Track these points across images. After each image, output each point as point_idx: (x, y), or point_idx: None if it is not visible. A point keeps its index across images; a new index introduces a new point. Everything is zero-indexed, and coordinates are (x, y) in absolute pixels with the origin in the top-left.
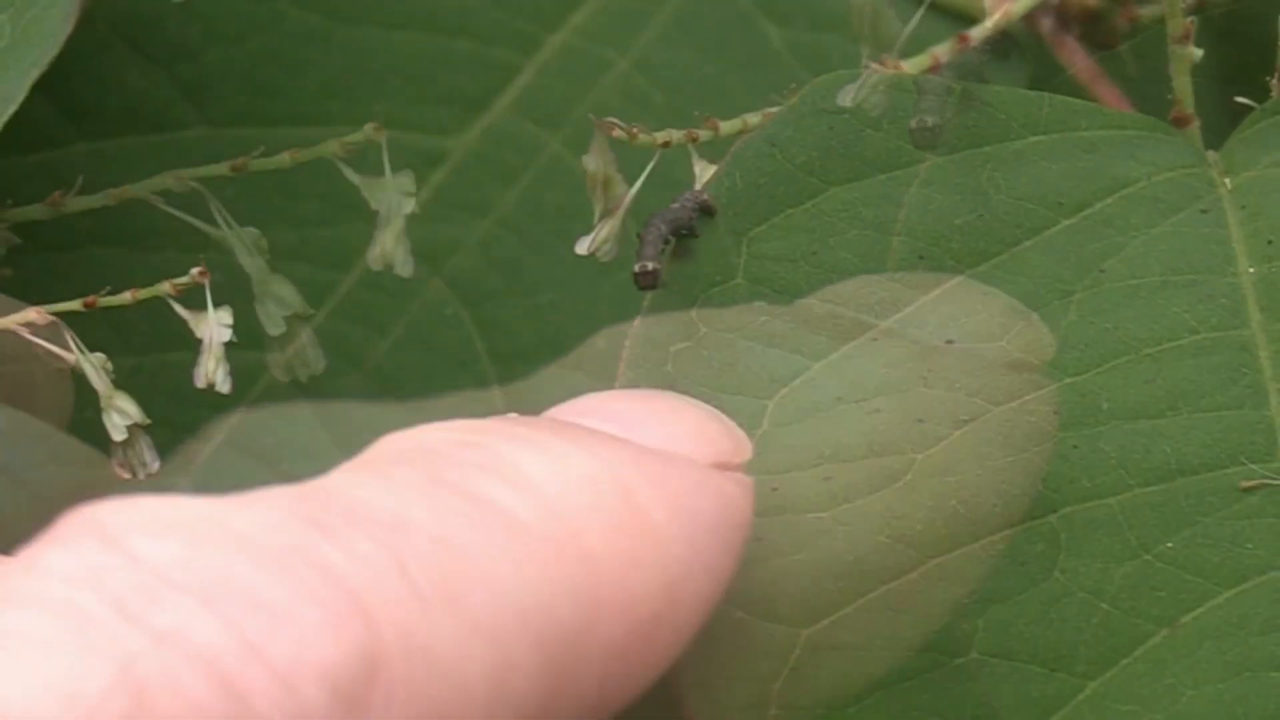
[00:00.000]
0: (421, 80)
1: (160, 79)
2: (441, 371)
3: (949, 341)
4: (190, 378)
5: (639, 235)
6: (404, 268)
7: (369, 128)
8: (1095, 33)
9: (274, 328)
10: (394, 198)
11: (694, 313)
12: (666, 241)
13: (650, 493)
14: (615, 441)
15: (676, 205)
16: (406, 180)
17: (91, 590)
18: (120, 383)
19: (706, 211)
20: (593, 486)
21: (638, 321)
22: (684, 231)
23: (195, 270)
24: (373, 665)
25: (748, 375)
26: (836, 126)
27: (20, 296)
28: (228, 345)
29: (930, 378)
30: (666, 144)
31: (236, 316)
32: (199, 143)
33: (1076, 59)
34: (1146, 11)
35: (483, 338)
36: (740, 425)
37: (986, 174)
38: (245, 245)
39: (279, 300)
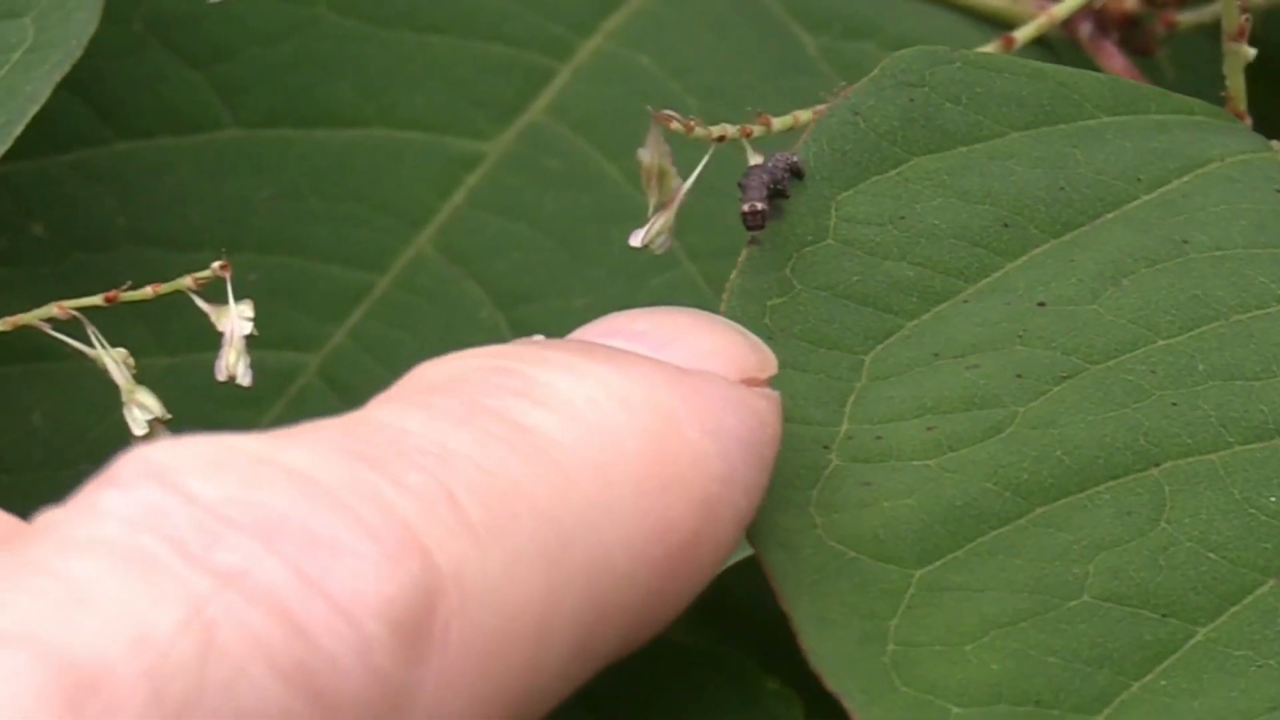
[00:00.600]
0: (457, 84)
1: (195, 80)
2: None
3: (1040, 304)
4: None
5: (740, 184)
6: (245, 379)
7: (215, 266)
8: (1133, 38)
9: (139, 429)
10: (236, 323)
11: (788, 269)
12: (767, 188)
13: (684, 411)
14: (646, 360)
15: (771, 164)
16: (246, 308)
17: (152, 532)
18: (154, 382)
19: (796, 174)
20: (628, 407)
21: (735, 276)
22: (778, 189)
23: (216, 265)
24: (430, 598)
25: (843, 331)
26: (917, 99)
27: (54, 296)
28: (263, 346)
29: (1026, 336)
30: (722, 138)
31: (274, 316)
32: (234, 144)
33: (1115, 64)
34: (1185, 18)
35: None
36: (839, 378)
37: (1065, 149)
38: (116, 363)
39: (143, 407)
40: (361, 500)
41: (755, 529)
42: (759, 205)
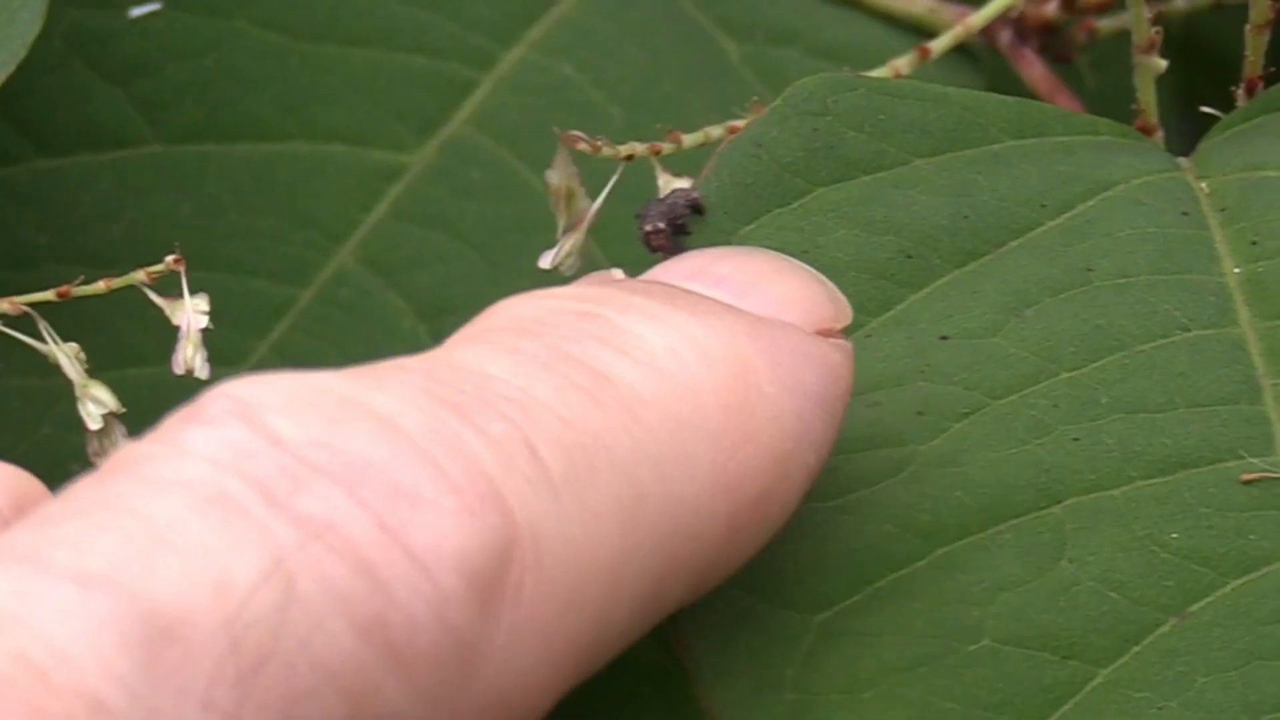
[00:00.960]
0: (379, 96)
1: (116, 96)
2: None
3: (943, 338)
4: (167, 390)
5: (637, 215)
6: (202, 371)
7: (169, 260)
8: (1053, 45)
9: (94, 424)
10: (193, 316)
11: None
12: (665, 220)
13: (763, 365)
14: (728, 311)
15: (670, 201)
16: (202, 300)
17: (237, 475)
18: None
19: (697, 210)
20: (709, 360)
21: None
22: (678, 224)
23: (170, 258)
24: (506, 553)
25: None
26: (820, 128)
27: None
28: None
29: (928, 371)
30: (630, 157)
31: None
32: (154, 160)
33: (1034, 71)
34: (1104, 24)
35: None
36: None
37: (970, 176)
38: (68, 357)
39: (97, 401)
40: (444, 450)
41: None
42: (660, 224)
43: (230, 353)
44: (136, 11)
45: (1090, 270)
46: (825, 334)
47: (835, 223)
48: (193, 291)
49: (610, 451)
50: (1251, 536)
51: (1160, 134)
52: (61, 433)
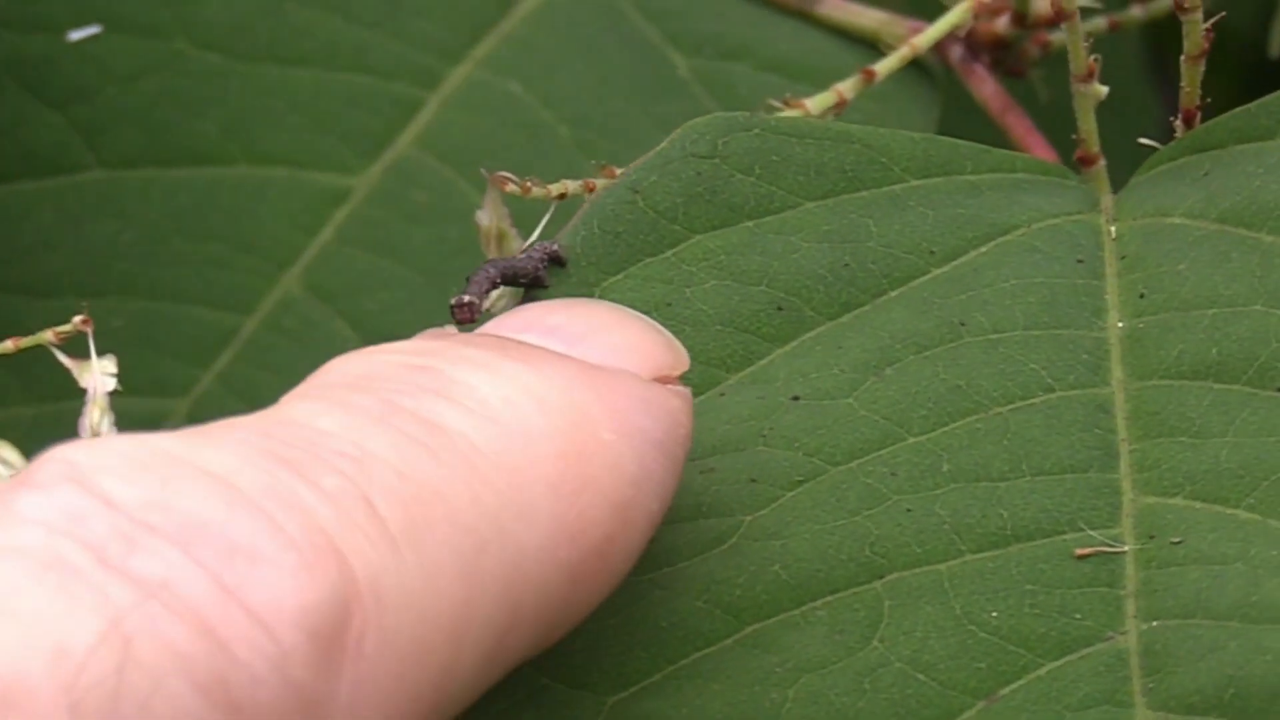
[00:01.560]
0: (323, 117)
1: (55, 121)
2: None
3: (795, 398)
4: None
5: (467, 278)
6: (109, 435)
7: (77, 320)
8: (1005, 60)
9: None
10: (99, 379)
11: None
12: (495, 284)
13: (600, 412)
14: (561, 360)
15: (522, 256)
16: (109, 363)
17: (72, 539)
18: (21, 432)
19: (556, 262)
20: (544, 408)
21: None
22: (524, 281)
23: (78, 319)
24: (346, 607)
25: None
26: (704, 172)
27: None
28: (129, 393)
29: (770, 435)
30: (562, 196)
31: (140, 362)
32: (95, 186)
33: (986, 88)
34: (1057, 38)
35: None
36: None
37: (860, 220)
38: None
39: (4, 462)
40: (280, 506)
41: None
42: (466, 298)
43: (173, 384)
44: (75, 35)
45: (963, 325)
46: (663, 381)
47: (707, 272)
48: (134, 322)
49: (448, 503)
50: (1076, 616)
51: (1102, 163)
52: None
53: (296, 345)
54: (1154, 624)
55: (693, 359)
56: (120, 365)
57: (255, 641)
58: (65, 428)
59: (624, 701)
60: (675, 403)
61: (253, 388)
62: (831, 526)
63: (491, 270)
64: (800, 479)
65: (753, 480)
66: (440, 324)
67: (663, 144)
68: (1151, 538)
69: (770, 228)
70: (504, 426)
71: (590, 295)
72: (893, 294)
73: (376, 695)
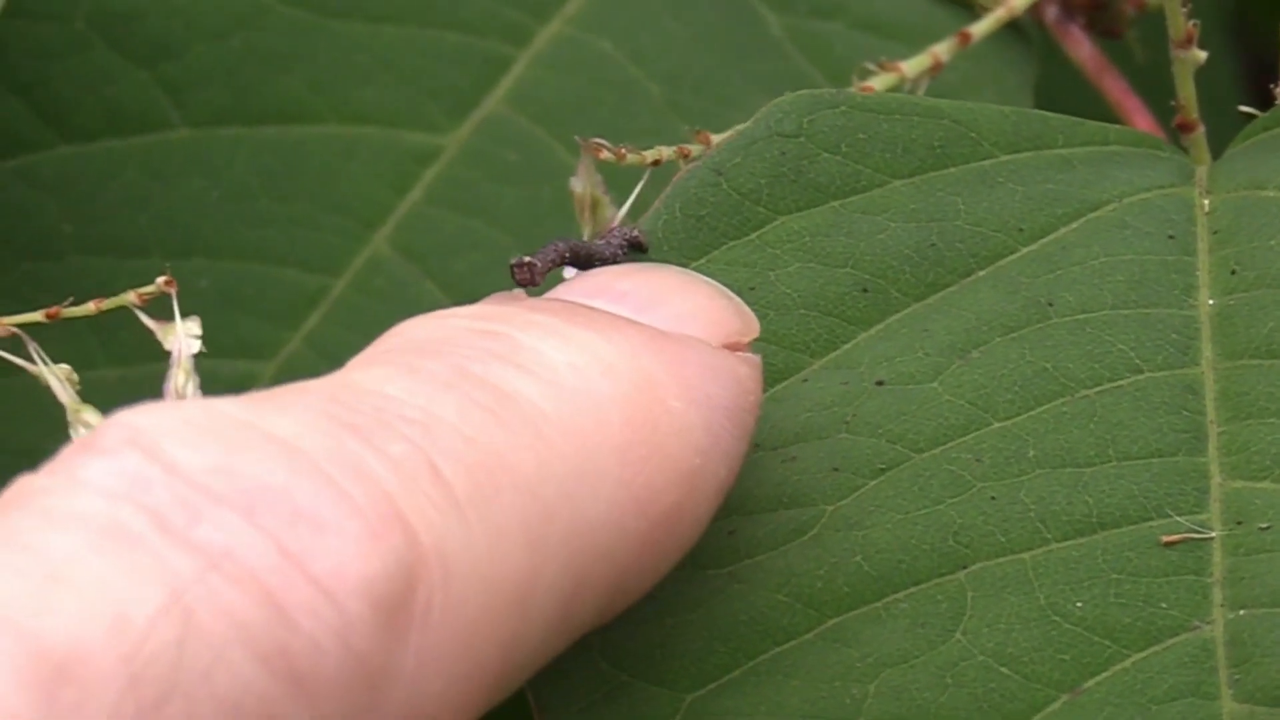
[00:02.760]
0: (412, 75)
1: (141, 78)
2: None
3: (879, 383)
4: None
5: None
6: (194, 398)
7: (160, 281)
8: (1100, 20)
9: None
10: (184, 340)
11: None
12: (564, 260)
13: (669, 379)
14: (631, 326)
15: (601, 241)
16: (194, 324)
17: (134, 506)
18: (105, 393)
19: (637, 247)
20: (613, 375)
21: None
22: (599, 265)
23: (161, 280)
24: (411, 575)
25: None
26: (789, 151)
27: (2, 309)
28: (216, 354)
29: (854, 422)
30: (657, 163)
31: (227, 323)
32: (182, 145)
33: (1082, 50)
34: None
35: None
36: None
37: (948, 198)
38: (59, 380)
39: (89, 426)
40: (345, 472)
41: None
42: (526, 258)
43: (261, 346)
44: None
45: (1051, 305)
46: (733, 348)
47: (791, 255)
48: (220, 283)
49: (515, 470)
50: (1162, 605)
51: (1201, 130)
52: None
53: (385, 306)
54: (1240, 613)
55: (776, 344)
56: (206, 327)
57: (318, 610)
58: (150, 390)
59: (702, 699)
60: (744, 370)
61: (341, 349)
62: (915, 515)
63: (562, 246)
64: (883, 467)
65: (835, 469)
66: (518, 256)
67: (747, 124)
68: (1239, 523)
69: (856, 207)
70: (571, 393)
71: None
72: (980, 274)
73: (442, 664)
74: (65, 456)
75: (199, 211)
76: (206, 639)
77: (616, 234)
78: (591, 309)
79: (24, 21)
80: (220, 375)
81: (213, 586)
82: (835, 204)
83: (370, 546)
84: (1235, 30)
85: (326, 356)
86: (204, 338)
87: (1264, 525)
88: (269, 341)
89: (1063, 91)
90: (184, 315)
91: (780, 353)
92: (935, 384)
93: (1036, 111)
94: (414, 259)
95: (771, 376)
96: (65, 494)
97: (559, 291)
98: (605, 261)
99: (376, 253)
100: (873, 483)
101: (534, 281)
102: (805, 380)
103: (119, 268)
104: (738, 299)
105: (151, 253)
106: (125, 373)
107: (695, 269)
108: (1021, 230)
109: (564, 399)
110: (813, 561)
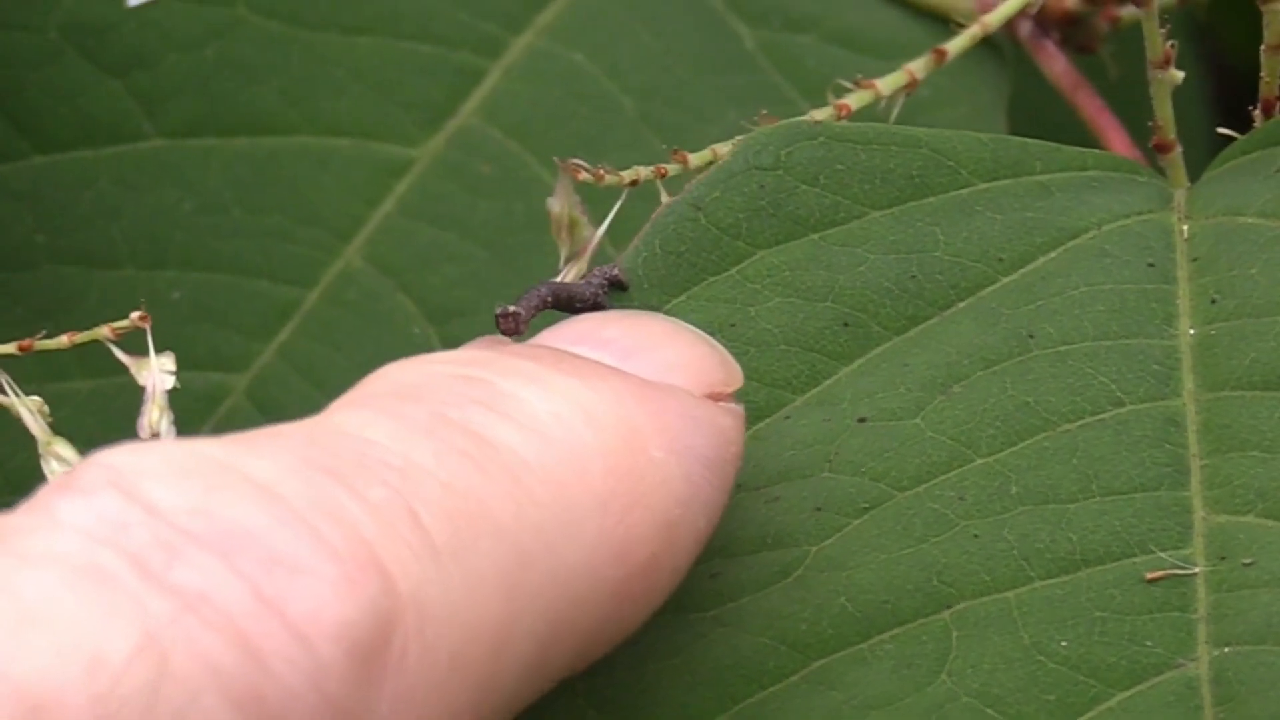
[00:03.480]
0: (384, 86)
1: (115, 89)
2: None
3: (861, 420)
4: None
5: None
6: (168, 435)
7: (134, 316)
8: (1075, 36)
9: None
10: (158, 376)
11: None
12: (546, 304)
13: (651, 429)
14: (613, 374)
15: (582, 282)
16: (168, 360)
17: (111, 547)
18: (77, 406)
19: (618, 286)
20: (595, 424)
21: None
22: (581, 307)
23: (135, 315)
24: (388, 621)
25: None
26: (768, 184)
27: None
28: (188, 367)
29: (836, 460)
30: (634, 183)
31: (199, 335)
32: (154, 155)
33: (1056, 65)
34: (1127, 12)
35: None
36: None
37: (927, 228)
38: (30, 412)
39: (60, 459)
40: (324, 517)
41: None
42: (511, 308)
43: (233, 358)
44: (135, 1)
45: (1032, 337)
46: (715, 398)
47: (771, 290)
48: (193, 294)
49: (494, 519)
50: (1147, 643)
51: (1178, 150)
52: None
53: (358, 319)
54: (1225, 650)
55: (758, 381)
56: (179, 339)
57: (293, 656)
58: (122, 402)
59: None
60: (727, 421)
61: (314, 362)
62: (898, 555)
63: (544, 290)
64: (866, 505)
65: (818, 508)
66: (507, 300)
67: (724, 158)
68: (1223, 559)
69: (836, 240)
70: (553, 442)
71: None
72: (960, 305)
73: (416, 711)
74: (43, 496)
75: (172, 222)
76: (181, 682)
77: (597, 274)
78: (575, 356)
79: None
80: (193, 388)
81: (188, 629)
82: (814, 237)
83: (347, 592)
84: (1203, 43)
85: (299, 369)
86: (176, 350)
87: (1247, 560)
88: (241, 354)
89: (1036, 108)
90: (156, 331)
91: (762, 390)
92: (918, 420)
93: (1014, 138)
94: (387, 271)
95: (754, 414)
96: (41, 533)
97: (543, 337)
98: (586, 302)
99: (349, 265)
100: (856, 522)
101: (519, 330)
102: (787, 418)
103: (91, 278)
104: (722, 348)
105: (124, 264)
106: (98, 384)
107: (676, 306)
108: (1001, 260)
109: (545, 447)
110: (797, 603)
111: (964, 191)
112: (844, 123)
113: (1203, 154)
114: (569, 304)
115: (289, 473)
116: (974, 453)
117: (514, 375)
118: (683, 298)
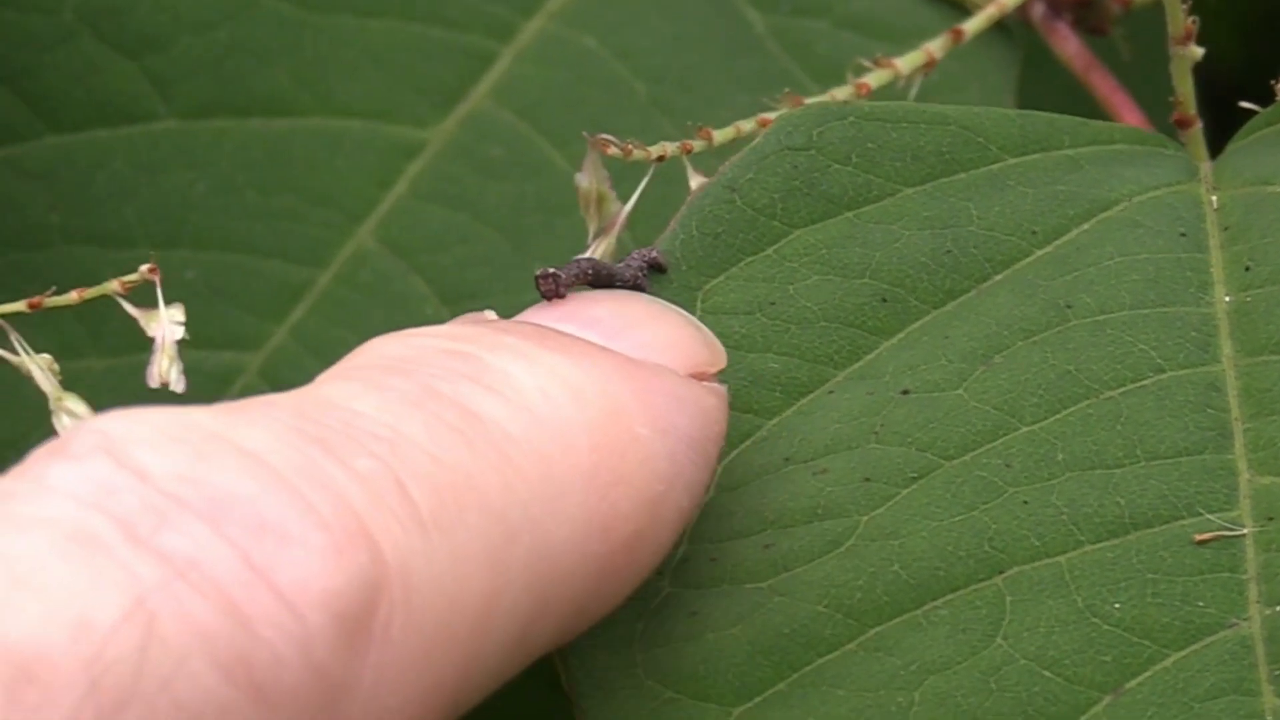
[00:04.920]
0: (397, 69)
1: (128, 70)
2: None
3: (905, 392)
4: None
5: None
6: (178, 385)
7: (144, 269)
8: (1087, 18)
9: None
10: (168, 327)
11: None
12: (586, 276)
13: (636, 407)
14: (600, 351)
15: (621, 264)
16: (178, 311)
17: (101, 512)
18: (92, 384)
19: (657, 269)
20: (581, 400)
21: None
22: (620, 286)
23: (145, 267)
24: (374, 591)
25: None
26: (801, 164)
27: None
28: (202, 346)
29: (882, 432)
30: (661, 158)
31: (213, 315)
32: (168, 136)
33: (1069, 47)
34: None
35: None
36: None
37: (960, 203)
38: (41, 369)
39: (72, 414)
40: (313, 486)
41: (572, 669)
42: (552, 270)
43: (246, 338)
44: None
45: (1070, 307)
46: (700, 377)
47: (809, 268)
48: (206, 274)
49: (480, 491)
50: (1199, 603)
51: (1199, 126)
52: None
53: (371, 300)
54: (1277, 609)
55: (800, 357)
56: (192, 318)
57: (280, 622)
58: (137, 380)
59: (749, 712)
60: (710, 400)
61: (327, 342)
62: (949, 523)
63: (585, 264)
64: (915, 475)
65: (867, 479)
66: (520, 281)
67: (757, 139)
68: (1270, 519)
69: (870, 217)
70: (539, 416)
71: (693, 299)
72: (997, 278)
73: (400, 680)
74: (34, 460)
75: (185, 203)
76: (169, 646)
77: (636, 257)
78: (561, 333)
79: (12, 12)
80: (206, 367)
81: (177, 594)
82: (849, 215)
83: (335, 561)
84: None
85: (311, 349)
86: (189, 328)
87: None
88: (254, 334)
89: (1049, 91)
90: (168, 303)
91: (804, 366)
92: (961, 390)
93: (1042, 113)
94: (399, 253)
95: (797, 389)
96: (32, 498)
97: (529, 315)
98: (626, 283)
99: (361, 246)
100: (905, 491)
101: (559, 294)
102: (831, 392)
103: (105, 258)
104: (706, 330)
105: (138, 243)
106: (113, 363)
107: (713, 287)
108: (1035, 233)
109: (532, 422)
110: (851, 572)
111: (994, 167)
112: (873, 102)
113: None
114: (608, 282)
115: (278, 441)
116: (1019, 421)
117: (501, 350)
118: (721, 278)
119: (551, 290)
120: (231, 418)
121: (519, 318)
